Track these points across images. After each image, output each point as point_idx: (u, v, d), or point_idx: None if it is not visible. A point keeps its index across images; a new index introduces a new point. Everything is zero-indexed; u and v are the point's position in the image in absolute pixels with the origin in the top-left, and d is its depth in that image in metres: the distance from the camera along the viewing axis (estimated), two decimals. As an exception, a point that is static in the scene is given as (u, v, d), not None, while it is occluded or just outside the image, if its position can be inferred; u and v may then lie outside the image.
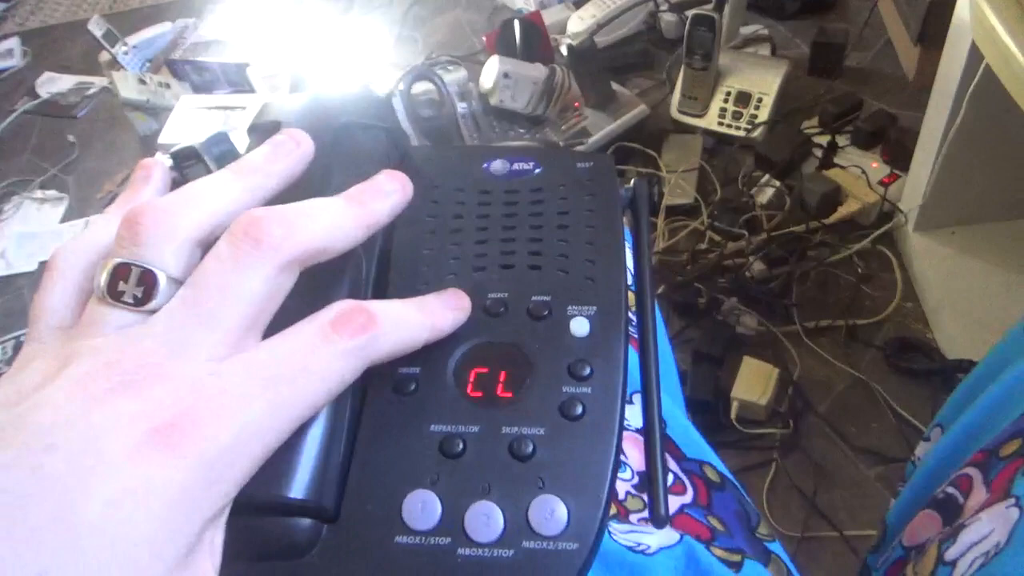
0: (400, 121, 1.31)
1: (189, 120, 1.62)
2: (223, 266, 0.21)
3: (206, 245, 0.22)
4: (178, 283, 0.21)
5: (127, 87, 1.66)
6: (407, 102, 1.32)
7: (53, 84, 1.98)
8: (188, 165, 1.41)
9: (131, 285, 0.21)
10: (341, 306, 0.22)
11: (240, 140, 1.41)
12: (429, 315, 0.24)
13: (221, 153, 1.37)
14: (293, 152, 0.25)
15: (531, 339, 0.25)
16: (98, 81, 1.93)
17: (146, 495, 0.18)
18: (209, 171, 1.40)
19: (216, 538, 0.20)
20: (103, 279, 0.21)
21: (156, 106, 1.69)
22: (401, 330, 0.23)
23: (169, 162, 1.46)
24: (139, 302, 0.21)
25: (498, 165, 0.31)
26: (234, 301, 0.21)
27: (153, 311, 0.21)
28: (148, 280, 0.21)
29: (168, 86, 1.73)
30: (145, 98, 1.68)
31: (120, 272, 0.21)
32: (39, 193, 1.69)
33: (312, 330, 0.21)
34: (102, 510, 0.17)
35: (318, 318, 0.21)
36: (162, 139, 1.59)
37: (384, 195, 0.25)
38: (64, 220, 1.63)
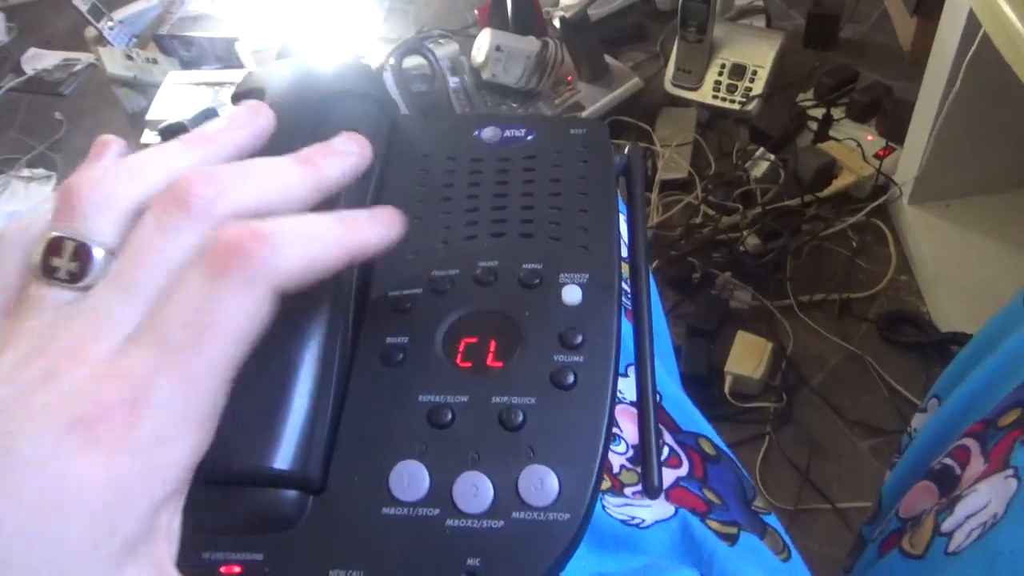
0: (391, 94, 1.29)
1: (177, 96, 1.59)
2: (147, 233, 0.19)
3: None
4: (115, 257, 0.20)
5: (114, 63, 1.63)
6: (398, 76, 1.30)
7: (39, 60, 1.94)
8: (176, 141, 1.39)
9: (65, 260, 0.20)
10: (222, 234, 0.19)
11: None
12: (347, 227, 0.21)
13: (210, 129, 1.35)
14: (249, 123, 0.23)
15: (522, 308, 0.25)
16: (84, 57, 1.90)
17: (73, 493, 0.17)
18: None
19: (172, 522, 0.19)
20: (36, 254, 0.20)
21: (144, 82, 1.67)
22: (307, 243, 0.20)
23: (158, 138, 1.45)
24: (74, 278, 0.20)
25: (489, 132, 0.31)
26: (156, 270, 0.19)
27: (89, 287, 0.20)
28: (82, 254, 0.20)
29: (156, 62, 1.71)
30: (132, 74, 1.65)
31: (54, 247, 0.20)
32: (26, 171, 1.67)
33: (195, 277, 0.19)
34: (27, 514, 0.16)
35: (199, 256, 0.19)
36: (150, 115, 1.56)
37: (338, 155, 0.23)
38: (52, 198, 1.61)
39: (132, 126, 1.68)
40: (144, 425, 0.17)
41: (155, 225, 0.19)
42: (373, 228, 0.22)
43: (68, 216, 0.20)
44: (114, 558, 0.17)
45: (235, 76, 1.62)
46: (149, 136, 1.56)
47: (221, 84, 1.61)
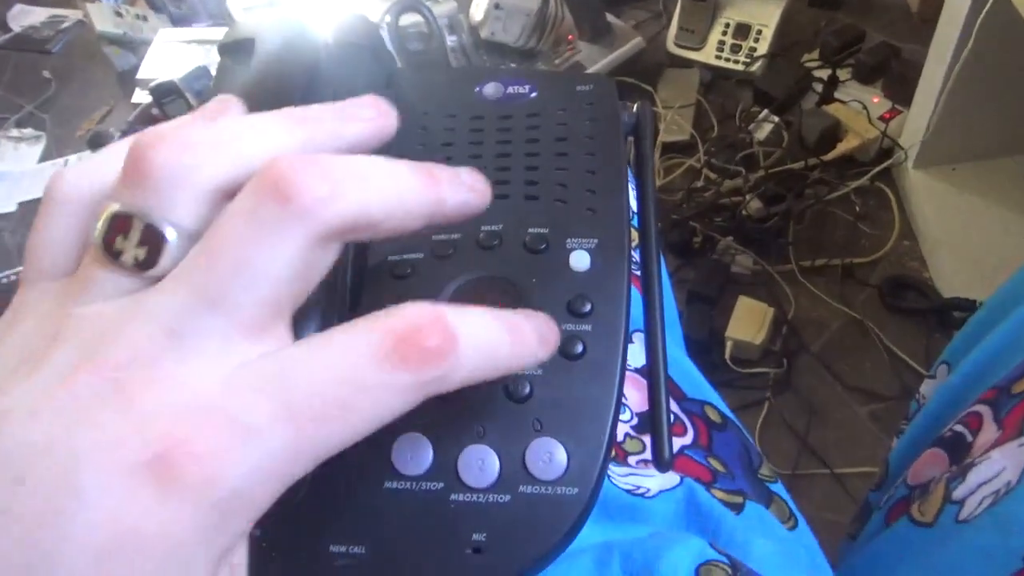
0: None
1: (168, 54, 1.56)
2: (242, 229, 0.16)
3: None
4: (195, 240, 0.17)
5: (103, 20, 1.60)
6: (394, 34, 1.27)
7: (26, 17, 1.90)
8: (168, 101, 1.37)
9: (132, 243, 0.16)
10: (412, 316, 0.16)
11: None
12: (518, 339, 0.18)
13: (203, 88, 1.33)
14: (371, 120, 0.19)
15: (528, 274, 0.24)
16: (72, 14, 1.86)
17: (140, 545, 0.14)
18: (191, 107, 1.37)
19: (238, 558, 0.17)
20: (98, 230, 0.17)
21: (134, 40, 1.63)
22: (483, 358, 0.17)
23: (149, 98, 1.42)
24: (140, 265, 0.17)
25: (491, 88, 0.29)
26: (253, 278, 0.16)
27: (158, 277, 0.16)
28: (153, 238, 0.16)
29: (145, 19, 1.67)
30: (122, 31, 1.62)
31: (119, 224, 0.16)
32: (15, 131, 1.64)
33: (366, 348, 0.16)
34: (85, 566, 0.14)
35: (377, 327, 0.16)
36: (141, 74, 1.54)
37: (462, 187, 0.19)
38: (43, 159, 1.59)
39: (122, 85, 1.65)
40: (232, 479, 0.15)
41: (246, 217, 0.16)
42: (545, 346, 0.19)
43: (139, 186, 0.17)
44: None
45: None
46: (140, 95, 1.53)
47: (213, 42, 1.57)
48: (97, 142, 1.44)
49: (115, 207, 0.17)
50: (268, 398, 0.15)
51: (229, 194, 0.17)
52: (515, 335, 0.18)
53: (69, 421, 0.15)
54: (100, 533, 0.14)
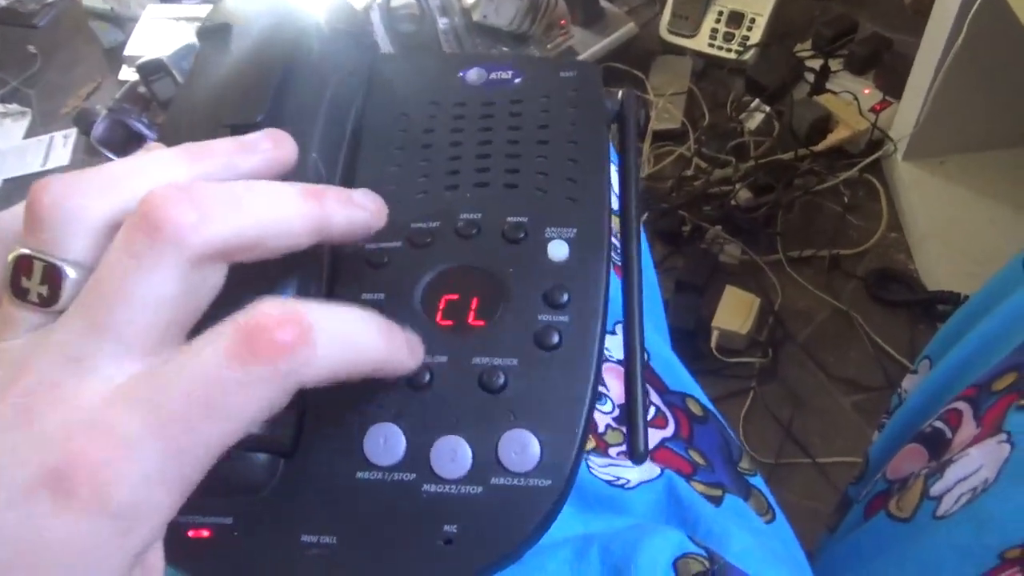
0: (377, 35, 1.25)
1: (156, 31, 1.54)
2: (121, 261, 0.17)
3: None
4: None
5: (89, -6, 1.57)
6: (385, 16, 1.26)
7: (10, -10, 1.87)
8: (155, 79, 1.35)
9: (35, 282, 0.18)
10: (261, 311, 0.17)
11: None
12: (389, 338, 0.20)
13: (190, 66, 1.31)
14: (267, 152, 0.20)
15: (505, 263, 0.23)
16: (58, -12, 1.83)
17: (45, 556, 0.15)
18: (178, 86, 1.35)
19: (155, 560, 0.18)
20: (5, 273, 0.18)
21: (121, 15, 1.61)
22: (346, 350, 0.18)
23: (136, 75, 1.40)
24: (44, 301, 0.18)
25: (474, 74, 0.29)
26: (131, 306, 0.17)
27: (62, 311, 0.18)
28: (52, 276, 0.18)
29: (133, -6, 1.64)
30: (109, 7, 1.60)
31: (22, 265, 0.18)
32: (0, 107, 1.62)
33: (221, 347, 0.16)
34: None
35: (230, 327, 0.17)
36: (128, 51, 1.51)
37: (350, 206, 0.20)
38: (28, 136, 1.57)
39: (109, 62, 1.63)
40: (123, 487, 0.15)
41: (123, 252, 0.17)
42: (414, 351, 0.21)
43: (35, 228, 0.18)
44: None
45: (216, 12, 1.57)
46: (127, 72, 1.51)
47: (201, 19, 1.55)
48: (83, 119, 1.42)
49: (19, 250, 0.18)
50: (139, 410, 0.16)
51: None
52: (386, 336, 0.19)
53: None
54: (6, 548, 0.15)
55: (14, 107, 1.62)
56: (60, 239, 0.18)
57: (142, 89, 1.41)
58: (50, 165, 1.48)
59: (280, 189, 0.19)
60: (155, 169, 0.19)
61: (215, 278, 0.18)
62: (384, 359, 0.19)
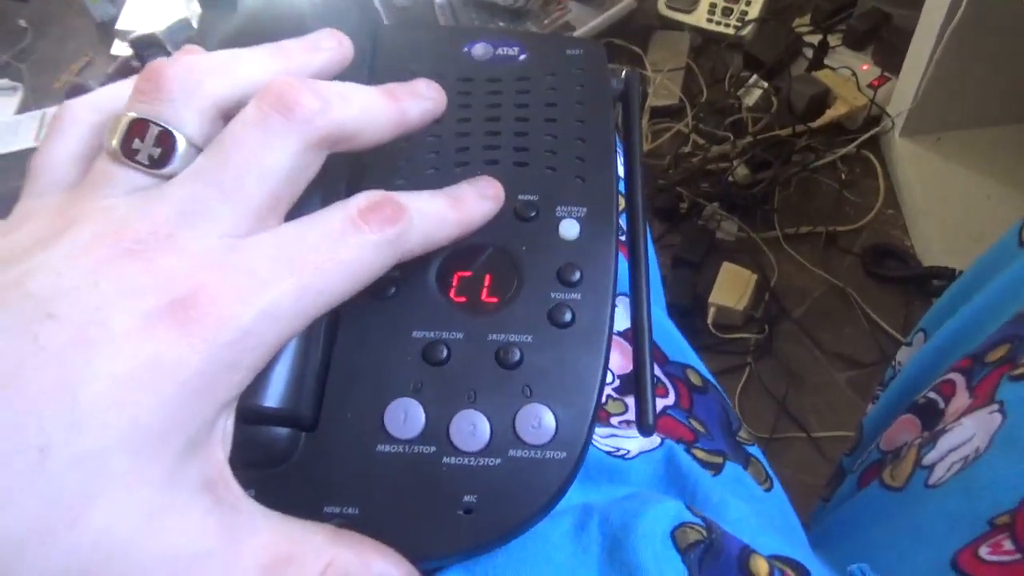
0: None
1: (149, 5, 1.52)
2: (250, 133, 0.19)
3: (228, 117, 0.20)
4: (197, 150, 0.20)
5: (80, -33, 1.55)
6: (381, -11, 1.24)
7: (0, -37, 1.84)
8: (149, 53, 1.34)
9: (147, 144, 0.19)
10: (370, 195, 0.20)
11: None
12: (460, 207, 0.23)
13: (184, 41, 1.30)
14: (331, 49, 0.23)
15: (518, 241, 0.24)
16: (48, -40, 1.80)
17: (156, 376, 0.16)
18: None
19: (228, 423, 0.19)
20: (117, 134, 0.19)
21: (113, -11, 1.59)
22: (430, 223, 0.21)
23: (129, 50, 1.39)
24: (154, 164, 0.19)
25: (480, 49, 0.29)
26: (259, 173, 0.19)
27: (169, 176, 0.19)
28: (166, 141, 0.19)
29: (125, -33, 1.62)
30: (100, -20, 1.57)
31: (136, 128, 0.19)
32: (-9, 82, 1.60)
33: (341, 216, 0.19)
34: (106, 388, 0.16)
35: (346, 205, 0.20)
36: (120, 25, 1.50)
37: (420, 98, 0.23)
38: (20, 111, 1.55)
39: (101, 36, 1.61)
40: (243, 320, 0.17)
41: (255, 124, 0.19)
42: (484, 204, 0.23)
43: (154, 99, 0.19)
44: (179, 453, 0.17)
45: (210, -15, 1.55)
46: (119, 47, 1.49)
47: (195, -7, 1.53)
48: (76, 94, 1.40)
49: (133, 114, 0.19)
50: (273, 255, 0.18)
51: (223, 113, 0.20)
52: (455, 202, 0.23)
53: (94, 275, 0.17)
54: (124, 361, 0.16)
55: (5, 82, 1.60)
56: (178, 110, 0.19)
57: (135, 63, 1.40)
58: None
59: (368, 90, 0.22)
60: (249, 62, 0.21)
61: (316, 164, 0.20)
62: (462, 222, 0.23)
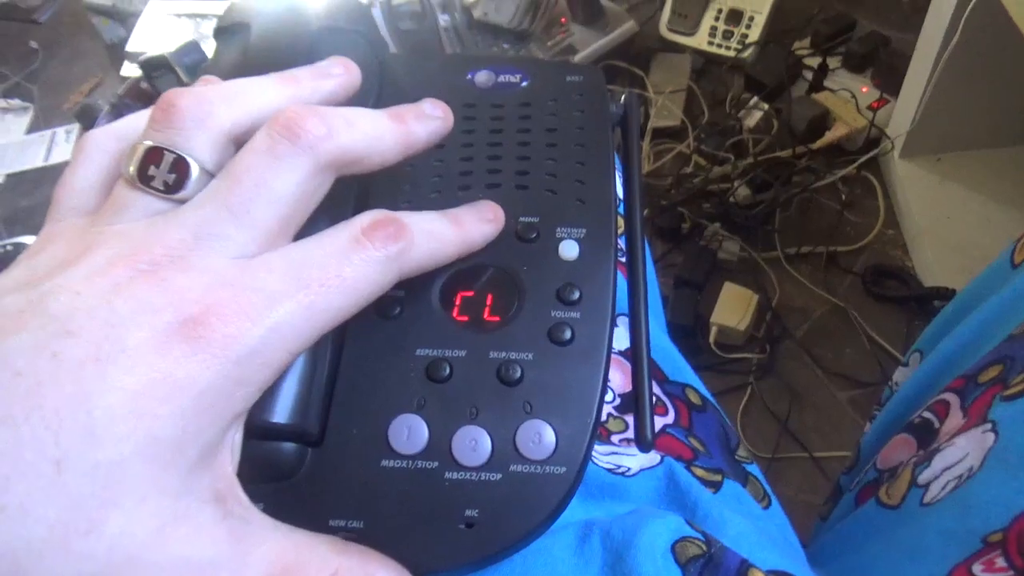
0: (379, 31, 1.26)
1: (158, 27, 1.54)
2: (259, 160, 0.20)
3: (240, 143, 0.21)
4: (210, 176, 0.21)
5: (91, -10, 1.58)
6: (387, 13, 1.26)
7: (12, -15, 1.87)
8: (158, 75, 1.35)
9: (162, 171, 0.20)
10: (373, 214, 0.21)
11: (212, 49, 1.35)
12: (461, 228, 0.24)
13: (193, 63, 1.32)
14: (339, 76, 0.24)
15: (519, 262, 0.25)
16: (60, -17, 1.83)
17: (170, 390, 0.17)
18: (181, 82, 1.36)
19: (237, 437, 0.19)
20: (134, 161, 0.20)
21: (123, 11, 1.61)
22: (432, 242, 0.22)
23: (139, 72, 1.40)
24: (169, 189, 0.20)
25: (483, 76, 0.30)
26: (268, 197, 0.20)
27: (182, 201, 0.20)
28: (180, 168, 0.20)
29: (135, -10, 1.65)
30: (111, 2, 1.60)
31: (152, 156, 0.20)
32: (2, 102, 1.62)
33: (345, 235, 0.20)
34: (121, 400, 0.16)
35: (351, 224, 0.21)
36: (130, 47, 1.52)
37: (426, 119, 0.24)
38: (30, 131, 1.57)
39: (111, 57, 1.63)
40: (252, 337, 0.18)
41: (264, 150, 0.20)
42: (484, 227, 0.24)
43: (168, 128, 0.20)
44: (192, 465, 0.17)
45: (218, 7, 1.57)
46: (129, 68, 1.51)
47: (203, 16, 1.56)
48: (86, 115, 1.43)
49: (149, 143, 0.20)
50: (281, 274, 0.19)
51: (236, 139, 0.21)
52: (457, 223, 0.24)
53: (111, 295, 0.18)
54: (138, 376, 0.17)
55: (16, 102, 1.62)
56: (191, 137, 0.20)
57: (145, 85, 1.42)
58: (52, 161, 1.48)
59: (375, 114, 0.22)
60: (259, 91, 0.22)
61: (324, 187, 0.21)
62: (463, 242, 0.24)
